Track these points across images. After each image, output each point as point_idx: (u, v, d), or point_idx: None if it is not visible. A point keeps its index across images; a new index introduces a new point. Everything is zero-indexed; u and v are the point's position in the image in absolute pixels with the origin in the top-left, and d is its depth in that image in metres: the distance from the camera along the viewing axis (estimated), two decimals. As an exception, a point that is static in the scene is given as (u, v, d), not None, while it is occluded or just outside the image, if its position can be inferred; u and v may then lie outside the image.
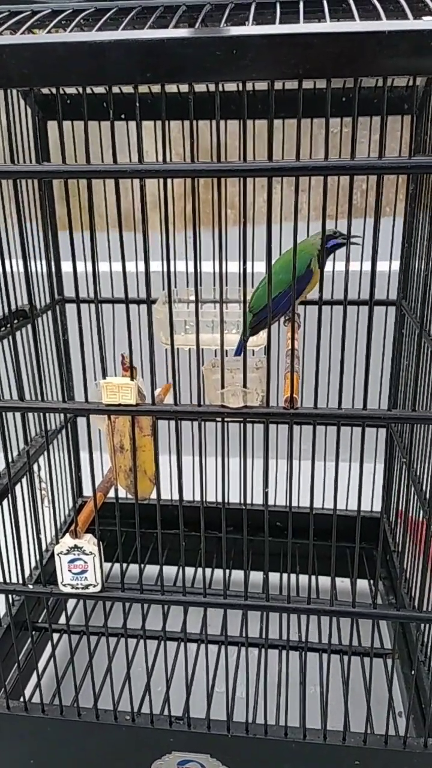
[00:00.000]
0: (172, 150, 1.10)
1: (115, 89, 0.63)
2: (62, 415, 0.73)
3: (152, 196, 0.63)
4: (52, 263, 1.13)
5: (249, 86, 0.95)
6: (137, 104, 0.57)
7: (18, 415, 0.74)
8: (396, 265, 1.10)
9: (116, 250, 0.63)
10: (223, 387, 0.68)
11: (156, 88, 0.58)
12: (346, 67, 0.53)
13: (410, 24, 0.52)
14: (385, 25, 0.52)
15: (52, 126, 1.10)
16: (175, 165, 0.59)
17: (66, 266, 1.13)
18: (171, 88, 0.93)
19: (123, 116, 0.78)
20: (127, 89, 0.58)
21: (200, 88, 0.94)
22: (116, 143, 0.60)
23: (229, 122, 0.84)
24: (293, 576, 1.16)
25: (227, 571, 0.77)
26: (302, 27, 0.53)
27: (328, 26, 0.53)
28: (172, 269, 0.66)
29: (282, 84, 0.94)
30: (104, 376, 0.68)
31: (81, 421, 1.23)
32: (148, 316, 0.66)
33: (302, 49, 0.53)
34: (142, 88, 0.84)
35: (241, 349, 0.92)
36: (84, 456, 0.75)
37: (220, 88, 0.57)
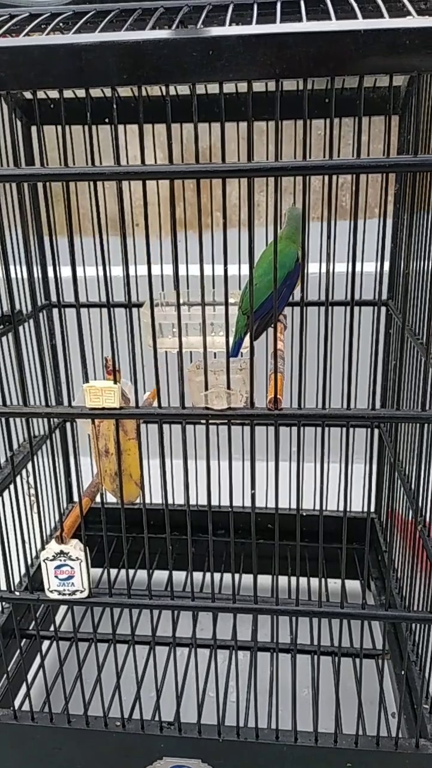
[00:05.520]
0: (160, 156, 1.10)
1: (99, 93, 0.63)
2: (48, 420, 0.72)
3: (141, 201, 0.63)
4: (36, 268, 1.12)
5: (232, 89, 0.95)
6: (114, 106, 0.57)
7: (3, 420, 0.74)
8: (384, 266, 1.10)
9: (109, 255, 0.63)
10: (207, 389, 0.68)
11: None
12: (323, 67, 0.53)
13: (385, 23, 0.52)
14: (360, 24, 0.52)
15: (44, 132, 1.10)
16: (154, 167, 0.58)
17: (53, 271, 1.13)
18: (157, 91, 0.93)
19: (107, 120, 0.78)
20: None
21: (185, 91, 0.94)
22: (111, 149, 0.60)
23: (217, 127, 0.84)
24: (284, 578, 1.16)
25: (216, 574, 0.76)
26: (278, 27, 0.54)
27: (303, 26, 0.53)
28: (155, 272, 0.66)
29: (265, 86, 0.94)
30: (86, 380, 0.68)
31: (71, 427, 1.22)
32: (130, 320, 0.66)
33: (278, 49, 0.53)
34: (127, 92, 0.83)
35: (238, 350, 0.91)
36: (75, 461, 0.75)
37: (203, 90, 0.57)
